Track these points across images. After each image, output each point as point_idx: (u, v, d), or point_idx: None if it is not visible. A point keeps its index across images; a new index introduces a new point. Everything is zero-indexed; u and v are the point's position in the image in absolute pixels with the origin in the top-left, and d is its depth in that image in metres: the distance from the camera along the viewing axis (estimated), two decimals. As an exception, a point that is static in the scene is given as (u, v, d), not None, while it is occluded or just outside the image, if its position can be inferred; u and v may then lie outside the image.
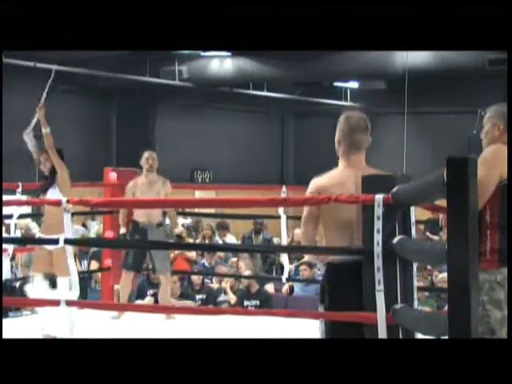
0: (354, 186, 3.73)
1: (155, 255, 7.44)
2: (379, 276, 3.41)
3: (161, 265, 7.49)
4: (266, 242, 12.34)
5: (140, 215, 7.38)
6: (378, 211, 3.40)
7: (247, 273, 8.90)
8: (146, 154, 7.53)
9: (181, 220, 13.02)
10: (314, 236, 3.90)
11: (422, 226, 11.64)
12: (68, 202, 4.51)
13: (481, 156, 3.54)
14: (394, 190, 3.38)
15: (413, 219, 3.51)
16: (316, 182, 3.85)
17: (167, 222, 7.97)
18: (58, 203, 4.66)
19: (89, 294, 9.32)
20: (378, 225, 3.42)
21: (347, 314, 3.60)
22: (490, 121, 3.77)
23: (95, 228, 12.66)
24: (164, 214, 7.68)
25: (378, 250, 3.41)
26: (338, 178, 3.84)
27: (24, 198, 8.46)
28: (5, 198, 5.87)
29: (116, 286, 7.89)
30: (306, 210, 3.86)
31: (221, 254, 10.57)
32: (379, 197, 3.40)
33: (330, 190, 3.75)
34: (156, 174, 7.50)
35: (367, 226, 3.47)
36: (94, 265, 9.56)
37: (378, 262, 3.41)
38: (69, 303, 4.67)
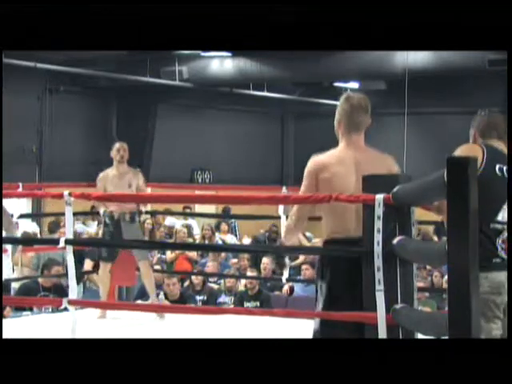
0: (354, 166, 3.73)
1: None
2: (379, 276, 3.42)
3: (137, 251, 7.16)
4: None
5: (112, 204, 7.09)
6: (379, 211, 3.41)
7: (251, 273, 8.89)
8: (116, 145, 7.28)
9: (182, 221, 13.04)
10: (305, 221, 3.89)
11: (430, 228, 11.57)
12: (70, 194, 4.48)
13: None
14: (395, 189, 3.38)
15: (413, 219, 3.52)
16: (315, 160, 3.83)
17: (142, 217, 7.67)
18: (59, 196, 4.62)
19: (85, 294, 9.28)
20: (378, 225, 3.42)
21: (347, 314, 3.60)
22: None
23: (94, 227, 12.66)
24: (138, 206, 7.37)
25: (378, 249, 3.41)
26: (338, 156, 3.82)
27: (24, 198, 8.47)
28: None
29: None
30: (302, 191, 3.82)
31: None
32: (379, 196, 3.40)
33: (329, 168, 3.75)
34: (127, 166, 7.26)
35: (367, 225, 3.47)
36: (89, 264, 9.44)
37: (378, 262, 3.41)
38: (70, 302, 4.67)
